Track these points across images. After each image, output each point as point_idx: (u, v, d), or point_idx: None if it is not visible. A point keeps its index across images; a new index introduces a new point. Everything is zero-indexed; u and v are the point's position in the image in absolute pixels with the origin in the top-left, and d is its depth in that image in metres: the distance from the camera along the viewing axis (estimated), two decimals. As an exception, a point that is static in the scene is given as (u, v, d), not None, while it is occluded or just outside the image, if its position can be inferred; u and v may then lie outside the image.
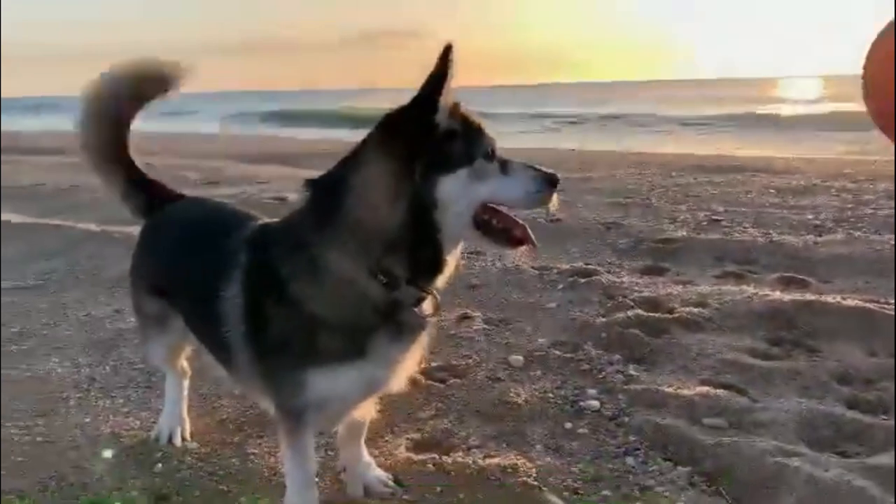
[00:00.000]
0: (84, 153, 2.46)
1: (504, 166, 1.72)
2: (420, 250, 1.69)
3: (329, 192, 1.74)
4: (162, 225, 2.44)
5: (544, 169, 1.75)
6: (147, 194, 2.49)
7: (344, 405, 1.95)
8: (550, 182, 1.73)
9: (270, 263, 1.79)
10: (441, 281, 1.78)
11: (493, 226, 1.74)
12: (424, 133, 1.63)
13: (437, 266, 1.73)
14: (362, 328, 1.75)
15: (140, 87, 2.42)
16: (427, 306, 1.81)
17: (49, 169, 11.39)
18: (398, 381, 1.92)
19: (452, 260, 1.77)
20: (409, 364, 1.89)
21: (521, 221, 1.77)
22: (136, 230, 5.41)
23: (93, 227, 6.26)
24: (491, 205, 1.72)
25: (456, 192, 1.64)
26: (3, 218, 6.86)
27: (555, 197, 1.74)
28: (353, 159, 1.73)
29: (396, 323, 1.77)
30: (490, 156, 1.70)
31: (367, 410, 2.15)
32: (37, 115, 42.69)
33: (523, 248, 1.78)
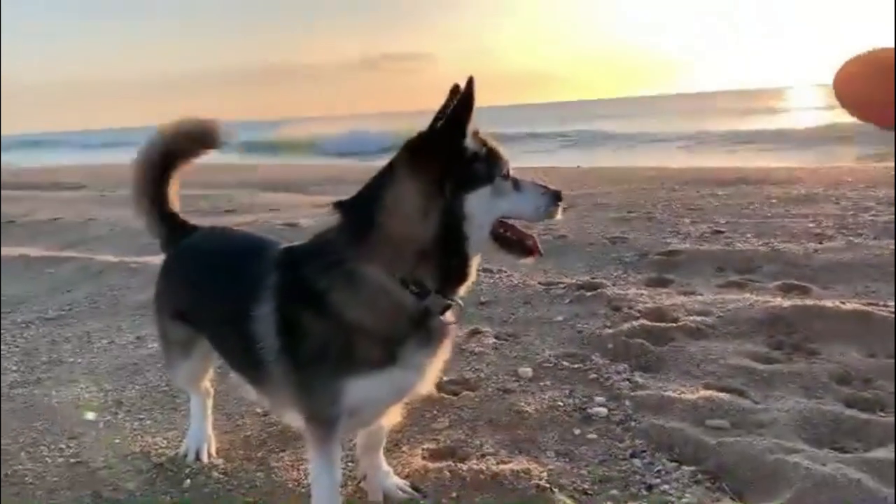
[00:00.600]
0: (134, 201, 2.65)
1: (517, 184, 1.91)
2: (449, 261, 1.87)
3: (362, 211, 1.89)
4: (185, 253, 2.57)
5: (550, 186, 1.94)
6: (171, 227, 2.64)
7: (375, 410, 2.09)
8: (556, 197, 1.93)
9: (306, 280, 1.93)
10: (464, 290, 1.95)
11: (507, 238, 1.93)
12: (455, 156, 1.81)
13: (463, 275, 1.91)
14: (395, 336, 1.90)
15: (183, 145, 2.62)
16: (450, 314, 1.97)
17: (65, 203, 11.62)
18: (426, 385, 2.06)
19: (474, 270, 1.94)
20: (435, 368, 2.03)
21: (530, 233, 1.96)
22: (153, 260, 5.61)
23: (111, 258, 6.43)
24: (505, 219, 1.91)
25: (480, 208, 1.83)
26: (21, 252, 7.05)
27: (560, 210, 1.94)
28: (383, 181, 1.88)
29: (425, 330, 1.93)
30: (506, 175, 1.89)
31: (393, 416, 2.27)
32: (38, 151, 43.37)
33: (532, 257, 1.96)
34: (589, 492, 2.39)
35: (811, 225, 6.03)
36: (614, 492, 2.37)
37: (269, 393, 2.21)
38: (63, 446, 2.94)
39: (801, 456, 2.39)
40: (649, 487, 2.38)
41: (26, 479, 2.69)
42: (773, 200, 7.51)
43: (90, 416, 3.15)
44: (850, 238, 5.41)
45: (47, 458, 2.85)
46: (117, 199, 11.45)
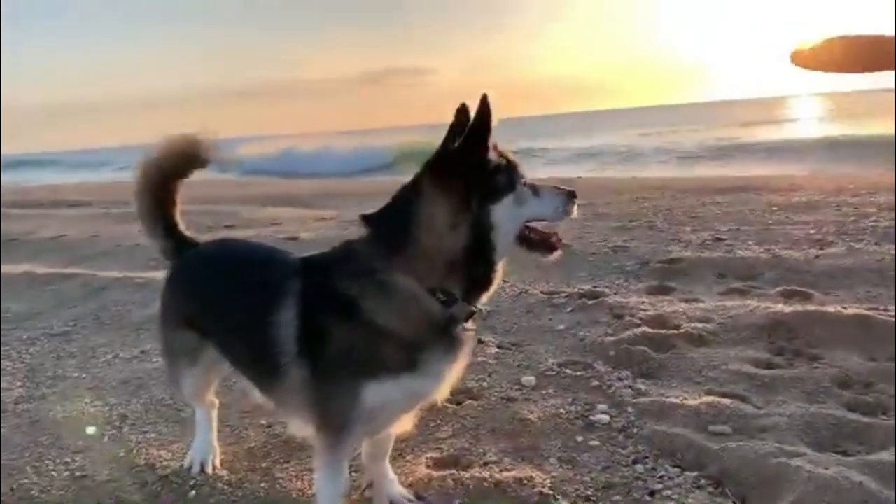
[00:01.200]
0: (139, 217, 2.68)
1: (535, 189, 2.00)
2: (477, 269, 1.95)
3: (392, 225, 1.96)
4: (198, 261, 2.58)
5: (565, 187, 2.05)
6: (175, 241, 2.66)
7: (391, 416, 2.12)
8: (571, 196, 2.03)
9: (335, 288, 1.98)
10: (487, 297, 2.02)
11: (532, 238, 2.02)
12: (479, 170, 1.89)
13: (489, 282, 1.99)
14: (420, 343, 1.96)
15: (178, 163, 2.63)
16: (471, 322, 2.04)
17: (69, 221, 11.67)
18: (443, 392, 2.10)
19: (498, 277, 2.01)
20: (453, 375, 2.08)
21: (551, 232, 2.06)
22: (157, 275, 5.63)
23: (115, 273, 6.45)
24: (528, 222, 2.00)
25: (506, 217, 1.92)
26: (26, 269, 7.09)
27: (575, 207, 2.03)
28: (411, 195, 1.94)
29: (449, 337, 1.99)
30: (524, 182, 1.98)
31: (404, 424, 2.27)
32: (39, 170, 43.67)
33: (557, 252, 2.06)
34: (592, 498, 2.39)
35: (812, 231, 6.05)
36: (617, 498, 2.38)
37: (280, 399, 2.23)
38: (68, 460, 2.96)
39: (803, 460, 2.40)
40: (652, 493, 2.39)
41: (32, 492, 2.71)
42: (774, 207, 7.53)
43: (91, 430, 3.18)
44: (851, 244, 5.42)
45: (53, 473, 2.86)
46: (121, 215, 11.51)
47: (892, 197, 7.38)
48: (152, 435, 3.15)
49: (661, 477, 2.47)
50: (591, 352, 3.65)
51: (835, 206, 7.25)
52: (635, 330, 3.79)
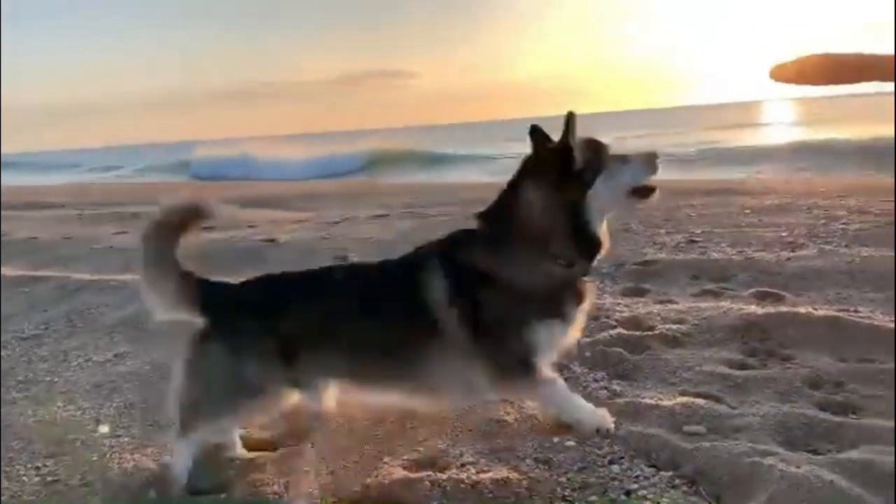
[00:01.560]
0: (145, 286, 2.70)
1: (624, 159, 2.53)
2: (581, 239, 2.49)
3: (505, 216, 2.54)
4: (291, 282, 2.75)
5: (645, 150, 2.59)
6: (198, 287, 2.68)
7: (552, 353, 2.65)
8: (653, 156, 2.57)
9: (475, 264, 2.52)
10: (602, 253, 2.57)
11: (639, 189, 2.55)
12: (568, 170, 2.44)
13: (596, 246, 2.53)
14: (559, 296, 2.54)
15: (181, 222, 2.72)
16: (589, 276, 2.63)
17: (42, 222, 11.50)
18: (578, 333, 2.71)
19: (606, 239, 2.56)
20: (582, 321, 2.67)
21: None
22: (130, 277, 5.53)
23: (87, 276, 6.37)
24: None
25: (600, 192, 2.46)
26: (-2, 272, 6.98)
27: (657, 163, 2.57)
28: (515, 194, 2.54)
29: (577, 290, 2.57)
30: (613, 158, 2.50)
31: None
32: (15, 172, 43.35)
33: (655, 194, 2.57)
34: (568, 498, 2.40)
35: (784, 234, 6.14)
36: (593, 498, 2.40)
37: (435, 370, 2.57)
38: (39, 465, 2.92)
39: (775, 459, 2.43)
40: (628, 493, 2.40)
41: (2, 498, 2.67)
42: (747, 210, 7.63)
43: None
44: (822, 246, 5.51)
45: (24, 478, 2.82)
46: (94, 217, 11.38)
47: (861, 200, 7.52)
48: (126, 439, 3.12)
49: (636, 477, 2.49)
50: (567, 353, 3.67)
51: (806, 210, 7.36)
52: (611, 331, 3.82)
